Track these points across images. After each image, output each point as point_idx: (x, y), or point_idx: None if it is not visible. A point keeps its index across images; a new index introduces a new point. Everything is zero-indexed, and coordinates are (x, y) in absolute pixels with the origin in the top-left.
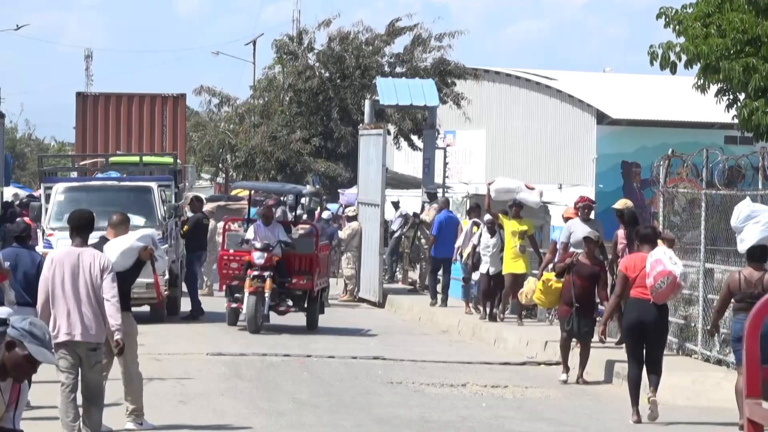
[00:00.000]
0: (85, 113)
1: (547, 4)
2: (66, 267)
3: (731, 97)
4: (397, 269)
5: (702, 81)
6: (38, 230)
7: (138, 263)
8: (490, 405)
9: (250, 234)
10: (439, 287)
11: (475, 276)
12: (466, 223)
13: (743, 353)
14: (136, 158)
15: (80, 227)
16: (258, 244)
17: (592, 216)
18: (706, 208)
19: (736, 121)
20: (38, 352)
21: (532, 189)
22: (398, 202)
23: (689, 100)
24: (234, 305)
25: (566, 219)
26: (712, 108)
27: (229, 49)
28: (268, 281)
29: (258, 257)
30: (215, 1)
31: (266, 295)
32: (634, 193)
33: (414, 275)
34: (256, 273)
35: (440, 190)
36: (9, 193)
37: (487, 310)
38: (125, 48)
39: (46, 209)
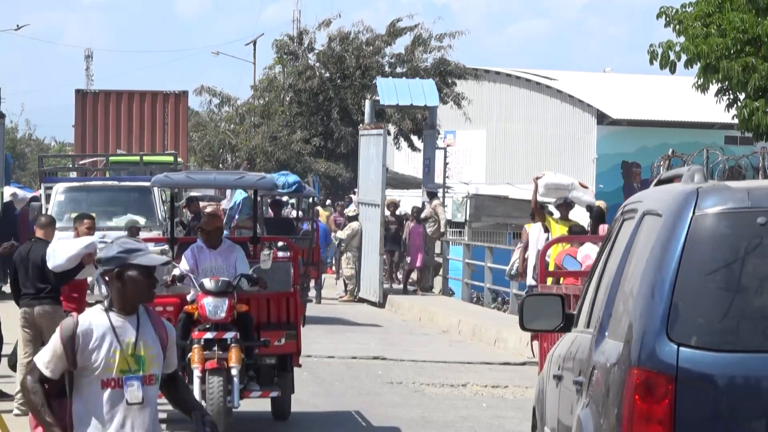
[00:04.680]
0: (85, 111)
1: (548, 4)
2: None
3: (731, 97)
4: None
5: (702, 81)
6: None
7: (79, 266)
8: (490, 405)
9: (184, 265)
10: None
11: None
12: (529, 226)
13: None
14: (137, 157)
15: None
16: (209, 284)
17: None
18: None
19: (736, 121)
20: (147, 260)
21: (586, 188)
22: (398, 202)
23: (689, 100)
24: None
25: None
26: (712, 108)
27: (230, 49)
28: (235, 349)
29: (213, 308)
30: (215, 1)
31: (234, 372)
32: (635, 193)
33: (414, 275)
34: (210, 336)
35: (440, 190)
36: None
37: None
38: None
39: (46, 209)
